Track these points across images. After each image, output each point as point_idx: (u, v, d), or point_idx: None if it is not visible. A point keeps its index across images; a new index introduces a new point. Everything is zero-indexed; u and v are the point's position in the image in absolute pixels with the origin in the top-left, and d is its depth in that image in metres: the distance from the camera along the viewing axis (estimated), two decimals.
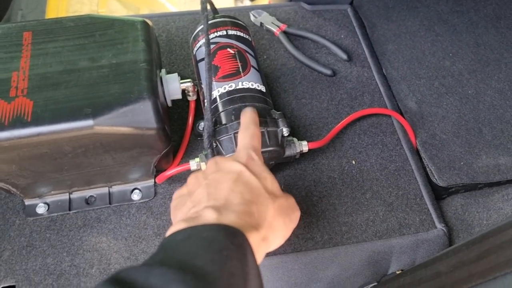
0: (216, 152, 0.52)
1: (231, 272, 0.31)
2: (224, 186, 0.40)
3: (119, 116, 0.48)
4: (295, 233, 0.56)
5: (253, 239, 0.35)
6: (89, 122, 0.47)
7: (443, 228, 0.58)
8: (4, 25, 0.55)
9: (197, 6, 0.62)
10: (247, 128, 0.48)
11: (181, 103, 0.62)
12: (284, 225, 0.42)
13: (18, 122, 0.46)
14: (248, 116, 0.50)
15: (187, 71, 0.69)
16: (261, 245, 0.37)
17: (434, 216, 0.59)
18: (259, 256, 0.37)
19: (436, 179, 0.62)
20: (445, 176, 0.62)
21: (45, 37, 0.53)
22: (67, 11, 1.11)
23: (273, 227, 0.40)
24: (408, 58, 0.76)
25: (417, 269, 0.43)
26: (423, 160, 0.65)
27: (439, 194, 0.63)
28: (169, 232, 0.35)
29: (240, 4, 1.26)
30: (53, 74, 0.50)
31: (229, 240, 0.33)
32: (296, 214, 0.45)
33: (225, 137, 0.52)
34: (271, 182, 0.43)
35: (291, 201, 0.45)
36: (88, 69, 0.51)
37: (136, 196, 0.57)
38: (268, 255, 0.54)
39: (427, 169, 0.64)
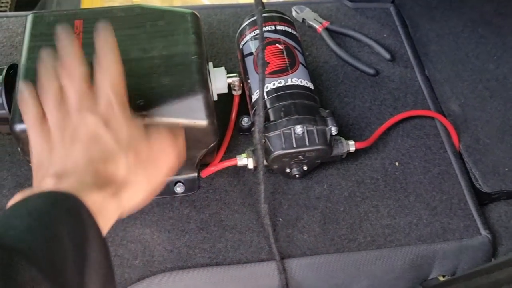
0: (264, 148, 0.52)
1: (53, 236, 0.30)
2: (76, 148, 0.38)
3: (170, 108, 0.48)
4: (337, 234, 0.56)
5: (92, 198, 0.34)
6: (141, 114, 0.47)
7: (488, 235, 0.57)
8: (55, 12, 0.55)
9: (229, 0, 0.61)
10: (107, 65, 0.41)
11: (224, 97, 0.62)
12: (146, 176, 0.40)
13: None
14: (106, 44, 0.43)
15: (229, 65, 0.69)
16: (109, 203, 0.36)
17: (478, 222, 0.58)
18: (109, 214, 0.36)
19: (480, 185, 0.61)
20: (489, 181, 0.61)
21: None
22: None
23: (128, 182, 0.38)
24: (451, 60, 0.74)
25: (472, 276, 0.43)
26: (467, 165, 0.63)
27: (482, 200, 0.62)
28: (7, 206, 0.34)
29: None
30: None
31: (54, 206, 0.32)
32: (168, 157, 0.41)
33: (274, 134, 0.52)
34: (128, 130, 0.39)
35: (159, 145, 0.41)
36: (139, 59, 0.51)
37: (179, 189, 0.57)
38: (311, 254, 0.54)
39: (471, 174, 0.63)
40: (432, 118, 0.67)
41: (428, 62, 0.74)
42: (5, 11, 1.24)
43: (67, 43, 0.42)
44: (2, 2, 1.25)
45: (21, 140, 0.47)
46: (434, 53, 0.75)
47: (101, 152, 0.38)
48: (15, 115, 0.46)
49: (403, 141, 0.64)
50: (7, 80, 0.52)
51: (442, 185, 0.61)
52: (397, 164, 0.62)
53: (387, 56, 0.72)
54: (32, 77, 0.48)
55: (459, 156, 0.64)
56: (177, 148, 0.42)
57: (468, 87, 0.71)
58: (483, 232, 0.57)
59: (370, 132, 0.64)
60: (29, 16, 0.54)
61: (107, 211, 0.35)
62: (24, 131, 0.46)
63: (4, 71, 0.52)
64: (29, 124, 0.41)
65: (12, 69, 0.53)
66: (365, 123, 0.65)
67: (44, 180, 0.36)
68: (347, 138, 0.59)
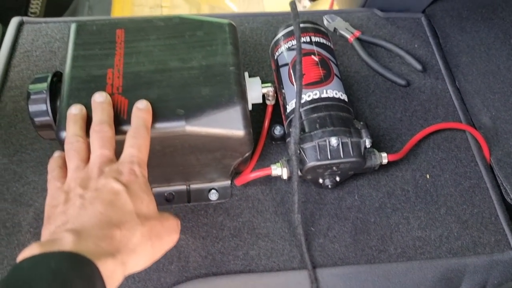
0: (298, 159, 0.53)
1: None
2: (96, 209, 0.39)
3: (210, 118, 0.49)
4: (368, 245, 0.56)
5: (107, 267, 0.35)
6: (181, 123, 0.48)
7: None
8: (97, 21, 0.56)
9: (256, 5, 0.62)
10: (137, 135, 0.44)
11: (256, 106, 0.63)
12: (152, 248, 0.41)
13: (116, 119, 0.47)
14: (141, 118, 0.45)
15: (261, 74, 0.70)
16: (117, 270, 0.37)
17: (509, 237, 0.58)
18: (115, 281, 0.37)
19: (511, 199, 0.61)
20: None
21: (137, 35, 0.54)
22: (133, 3, 1.13)
23: (137, 252, 0.39)
24: (482, 72, 0.74)
25: None
26: (498, 179, 0.63)
27: None
28: (22, 254, 0.34)
29: (298, 5, 1.25)
30: (145, 73, 0.51)
31: (75, 271, 0.33)
32: (172, 238, 0.44)
33: (309, 145, 0.53)
34: (147, 203, 0.42)
35: (168, 224, 0.44)
36: (179, 69, 0.52)
37: (213, 196, 0.58)
38: (342, 264, 0.54)
39: (502, 187, 0.63)
40: (463, 131, 0.67)
41: (459, 74, 0.74)
42: (35, 12, 1.27)
43: (102, 105, 0.46)
44: (33, 5, 1.28)
45: None
46: (465, 65, 0.75)
47: (120, 218, 0.39)
48: (61, 123, 0.48)
49: (434, 153, 0.64)
50: (52, 87, 0.53)
51: (473, 199, 0.61)
52: (428, 176, 0.62)
53: (418, 67, 0.72)
54: (77, 86, 0.50)
55: (490, 169, 0.64)
56: (178, 232, 0.45)
57: (499, 99, 0.71)
58: None
59: (400, 143, 0.64)
60: (73, 25, 0.55)
61: (114, 279, 0.37)
62: None
63: (49, 78, 0.54)
64: (52, 175, 0.44)
65: (56, 76, 0.55)
66: (396, 134, 0.65)
67: (62, 234, 0.36)
68: (378, 149, 0.59)
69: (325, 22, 0.76)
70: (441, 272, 0.56)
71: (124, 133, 0.47)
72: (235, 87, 0.51)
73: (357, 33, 0.74)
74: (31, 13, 1.29)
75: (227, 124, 0.50)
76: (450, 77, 0.73)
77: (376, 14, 0.79)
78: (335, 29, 0.75)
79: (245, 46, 0.72)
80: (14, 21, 0.73)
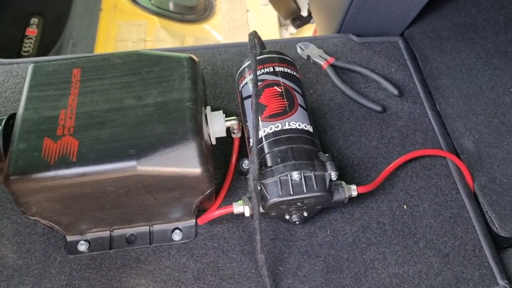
0: (260, 195, 0.50)
1: None
2: None
3: (162, 157, 0.47)
4: (341, 284, 0.53)
5: None
6: (132, 164, 0.46)
7: (506, 285, 0.53)
8: (55, 61, 0.55)
9: (242, 35, 0.61)
10: None
11: (224, 139, 0.61)
12: None
13: (64, 162, 0.46)
14: None
15: (232, 105, 0.68)
16: None
17: (495, 270, 0.54)
18: None
19: (497, 228, 0.57)
20: (507, 225, 0.57)
21: (93, 74, 0.53)
22: (116, 39, 1.14)
23: None
24: (464, 94, 0.71)
25: None
26: (482, 207, 0.60)
27: (500, 244, 0.58)
28: None
29: (285, 32, 1.25)
30: (99, 112, 0.50)
31: None
32: None
33: (270, 181, 0.50)
34: None
35: None
36: (134, 107, 0.50)
37: (177, 236, 0.56)
38: None
39: (487, 216, 0.59)
40: (443, 157, 0.64)
41: (439, 97, 0.71)
42: (28, 51, 1.29)
43: None
44: (26, 43, 1.30)
45: (15, 193, 0.47)
46: (445, 87, 0.72)
47: None
48: (8, 168, 0.46)
49: (412, 181, 0.61)
50: (6, 130, 0.52)
51: (455, 230, 0.57)
52: (405, 207, 0.59)
53: (395, 91, 0.70)
54: (28, 128, 0.49)
55: (473, 197, 0.61)
56: None
57: (482, 122, 0.68)
58: (501, 282, 0.54)
59: (376, 172, 0.61)
60: (30, 66, 0.55)
61: None
62: (16, 183, 0.46)
63: (3, 121, 0.52)
64: None
65: (12, 118, 0.53)
66: (371, 163, 0.63)
67: None
68: (352, 180, 0.57)
69: (299, 50, 0.75)
70: None
71: (70, 177, 0.46)
72: (190, 123, 0.49)
73: (331, 60, 0.72)
74: (24, 51, 1.31)
75: (182, 163, 0.48)
76: (430, 100, 0.70)
77: (351, 39, 0.77)
78: (308, 57, 0.74)
79: (215, 78, 0.71)
80: None
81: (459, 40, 0.79)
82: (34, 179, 0.46)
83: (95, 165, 0.46)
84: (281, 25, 1.28)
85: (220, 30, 1.26)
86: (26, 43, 1.32)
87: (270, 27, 1.25)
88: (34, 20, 1.33)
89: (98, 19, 1.17)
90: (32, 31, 1.32)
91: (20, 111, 0.51)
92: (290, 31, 1.24)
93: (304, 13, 1.15)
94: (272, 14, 1.26)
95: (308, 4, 1.15)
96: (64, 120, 0.49)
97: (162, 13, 1.24)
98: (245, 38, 0.57)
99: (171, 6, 1.26)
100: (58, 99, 0.51)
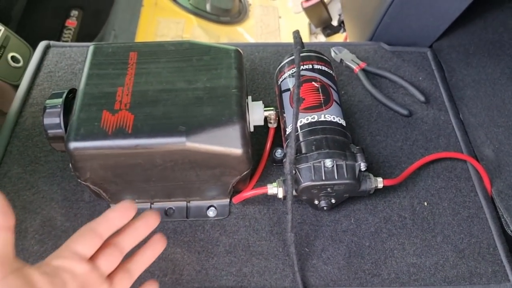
0: (294, 179, 0.54)
1: None
2: None
3: (209, 136, 0.51)
4: (362, 268, 0.57)
5: None
6: (182, 139, 0.51)
7: None
8: (113, 44, 0.60)
9: (274, 40, 0.65)
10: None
11: (260, 129, 0.65)
12: None
13: (120, 132, 0.51)
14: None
15: (267, 99, 0.73)
16: None
17: (507, 268, 0.58)
18: None
19: (511, 231, 0.61)
20: None
21: (148, 58, 0.58)
22: (155, 34, 1.19)
23: None
24: (487, 105, 0.75)
25: None
26: (498, 210, 0.63)
27: None
28: None
29: (314, 40, 1.30)
30: (153, 92, 0.54)
31: None
32: None
33: (304, 166, 0.54)
34: None
35: None
36: (185, 90, 0.55)
37: (211, 213, 0.60)
38: (334, 286, 0.55)
39: (502, 219, 0.62)
40: (464, 161, 0.67)
41: (463, 106, 0.75)
42: (67, 41, 1.36)
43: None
44: (65, 34, 1.37)
45: (74, 157, 0.51)
46: (469, 98, 0.76)
47: None
48: (70, 134, 0.51)
49: (433, 181, 0.65)
50: (66, 102, 0.57)
51: (471, 228, 0.61)
52: (425, 204, 0.63)
53: (422, 98, 0.74)
54: (88, 101, 0.54)
55: (490, 200, 0.64)
56: None
57: (503, 132, 0.71)
58: None
59: (400, 170, 0.65)
60: (91, 47, 0.60)
61: None
62: (76, 149, 0.50)
63: (64, 94, 0.58)
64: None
65: (71, 93, 0.59)
66: (395, 162, 0.66)
67: None
68: (377, 175, 0.60)
69: (332, 54, 0.79)
70: None
71: (125, 147, 0.50)
72: (236, 107, 0.54)
73: (363, 65, 0.77)
74: (63, 41, 1.37)
75: (226, 142, 0.52)
76: (454, 109, 0.74)
77: (382, 47, 0.82)
78: (341, 60, 0.78)
79: (253, 74, 0.76)
80: (42, 45, 0.79)
81: (485, 56, 0.83)
82: (93, 146, 0.51)
83: (148, 138, 0.51)
84: (311, 33, 1.33)
85: (252, 34, 1.32)
86: (65, 33, 1.39)
87: (301, 34, 1.29)
88: (74, 12, 1.41)
89: (139, 15, 1.23)
90: (72, 23, 1.39)
91: (82, 86, 0.56)
92: (320, 39, 1.29)
93: (335, 22, 1.20)
94: (303, 21, 1.31)
95: (339, 14, 1.20)
96: (121, 96, 0.54)
97: (199, 13, 1.30)
98: (275, 41, 0.62)
99: (208, 7, 1.32)
100: (116, 77, 0.56)
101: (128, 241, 0.41)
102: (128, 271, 0.41)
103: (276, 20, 1.36)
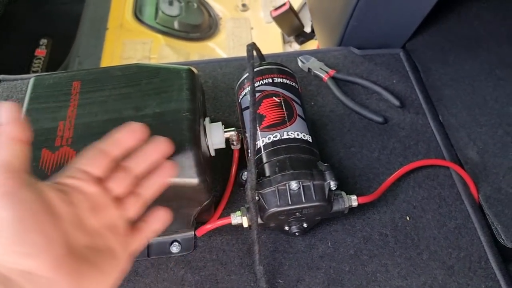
0: (258, 205, 0.50)
1: None
2: None
3: None
4: None
5: None
6: None
7: None
8: (55, 74, 0.56)
9: (245, 52, 0.61)
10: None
11: (224, 151, 0.61)
12: None
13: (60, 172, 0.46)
14: None
15: (232, 118, 0.68)
16: None
17: (502, 283, 0.53)
18: None
19: (503, 240, 0.56)
20: None
21: (92, 86, 0.54)
22: (121, 57, 1.15)
23: None
24: (467, 104, 0.71)
25: None
26: (487, 217, 0.58)
27: (506, 256, 0.57)
28: None
29: (289, 48, 1.26)
30: (97, 123, 0.50)
31: None
32: None
33: (268, 190, 0.49)
34: None
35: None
36: (132, 118, 0.50)
37: (175, 248, 0.55)
38: None
39: (492, 227, 0.58)
40: (447, 167, 0.63)
41: (442, 107, 0.70)
42: (37, 71, 1.31)
43: None
44: (35, 63, 1.33)
45: None
46: (448, 98, 0.72)
47: None
48: None
49: (415, 192, 0.60)
50: None
51: (460, 241, 0.56)
52: (408, 218, 0.58)
53: (396, 102, 0.69)
54: None
55: (478, 208, 0.59)
56: None
57: (487, 132, 0.67)
58: None
59: (378, 183, 0.60)
60: (31, 79, 0.55)
61: None
62: None
63: None
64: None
65: None
66: (373, 174, 0.62)
67: None
68: (353, 191, 0.56)
69: (299, 63, 0.75)
70: None
71: None
72: (188, 133, 0.49)
73: (332, 72, 0.72)
74: (33, 72, 1.33)
75: (179, 172, 0.48)
76: (432, 111, 0.70)
77: (352, 52, 0.77)
78: (309, 69, 0.74)
79: (216, 91, 0.71)
80: None
81: (462, 52, 0.78)
82: None
83: None
84: (285, 42, 1.29)
85: (224, 48, 1.28)
86: (35, 63, 1.35)
87: (274, 44, 1.26)
88: (43, 41, 1.37)
89: (104, 38, 1.19)
90: (41, 52, 1.35)
91: None
92: (294, 48, 1.25)
93: (308, 29, 1.16)
94: (276, 31, 1.28)
95: (311, 20, 1.16)
96: (62, 131, 0.49)
97: (167, 31, 1.25)
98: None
99: (175, 25, 1.28)
100: (57, 110, 0.52)
101: (138, 165, 0.39)
102: (139, 196, 0.39)
103: (249, 31, 1.32)
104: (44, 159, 0.47)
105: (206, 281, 0.53)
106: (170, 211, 0.41)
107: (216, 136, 0.55)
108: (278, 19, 1.09)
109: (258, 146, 0.53)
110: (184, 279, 0.53)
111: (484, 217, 0.59)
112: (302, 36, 1.16)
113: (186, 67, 0.56)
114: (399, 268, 0.53)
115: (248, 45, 0.56)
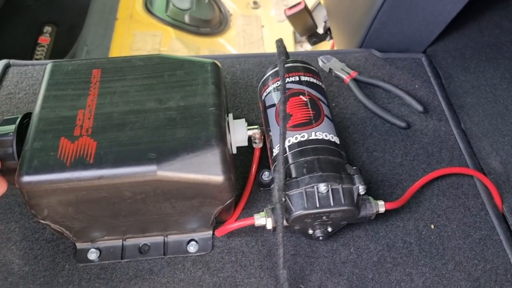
0: (284, 207, 0.48)
1: None
2: None
3: (184, 163, 0.45)
4: None
5: None
6: (152, 168, 0.44)
7: None
8: (74, 61, 0.53)
9: (256, 50, 0.59)
10: None
11: (244, 149, 0.59)
12: None
13: (80, 163, 0.44)
14: None
15: (251, 115, 0.66)
16: None
17: None
18: None
19: None
20: None
21: (113, 76, 0.51)
22: (130, 48, 1.12)
23: None
24: (489, 113, 0.69)
25: None
26: (511, 229, 0.57)
27: None
28: None
29: (300, 48, 1.24)
30: (119, 114, 0.48)
31: None
32: None
33: (295, 192, 0.48)
34: None
35: None
36: (155, 110, 0.48)
37: (192, 248, 0.53)
38: None
39: None
40: (471, 176, 0.61)
41: (464, 115, 0.69)
42: (40, 59, 1.28)
43: None
44: (38, 51, 1.30)
45: (27, 193, 0.44)
46: (470, 106, 0.70)
47: None
48: (21, 167, 0.44)
49: (439, 201, 0.58)
50: (21, 129, 0.50)
51: (485, 252, 0.54)
52: (432, 226, 0.56)
53: (420, 108, 0.67)
54: (44, 128, 0.46)
55: (502, 219, 0.58)
56: None
57: (509, 142, 0.66)
58: None
59: (401, 190, 0.59)
60: (48, 65, 0.53)
61: None
62: (29, 184, 0.43)
63: (18, 120, 0.50)
64: None
65: (27, 118, 0.51)
66: (396, 180, 0.60)
67: None
68: (376, 197, 0.54)
69: (320, 63, 0.73)
70: None
71: (86, 179, 0.43)
72: (214, 128, 0.47)
73: (354, 74, 0.71)
74: (36, 59, 1.30)
75: (204, 169, 0.46)
76: (454, 118, 0.68)
77: (374, 54, 0.76)
78: (330, 70, 0.72)
79: (235, 88, 0.69)
80: (0, 64, 0.71)
81: (483, 60, 0.77)
82: (49, 180, 0.43)
83: (113, 168, 0.44)
84: (296, 42, 1.27)
85: (234, 44, 1.25)
86: (38, 50, 1.31)
87: (285, 43, 1.24)
88: (48, 28, 1.33)
89: (113, 28, 1.16)
90: (45, 39, 1.32)
91: (37, 109, 0.49)
92: (305, 48, 1.23)
93: (320, 30, 1.14)
94: (287, 30, 1.26)
95: (325, 21, 1.14)
96: (82, 121, 0.47)
97: (177, 24, 1.23)
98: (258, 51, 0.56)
99: (186, 18, 1.25)
100: (76, 98, 0.49)
101: None
102: None
103: (259, 29, 1.30)
104: (63, 149, 0.45)
105: (225, 283, 0.51)
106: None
107: (239, 133, 0.53)
108: (292, 18, 1.07)
109: (284, 147, 0.51)
110: (202, 280, 0.51)
111: (509, 229, 0.57)
112: (314, 37, 1.14)
113: (210, 60, 0.54)
114: (424, 278, 0.52)
115: (277, 41, 0.54)
